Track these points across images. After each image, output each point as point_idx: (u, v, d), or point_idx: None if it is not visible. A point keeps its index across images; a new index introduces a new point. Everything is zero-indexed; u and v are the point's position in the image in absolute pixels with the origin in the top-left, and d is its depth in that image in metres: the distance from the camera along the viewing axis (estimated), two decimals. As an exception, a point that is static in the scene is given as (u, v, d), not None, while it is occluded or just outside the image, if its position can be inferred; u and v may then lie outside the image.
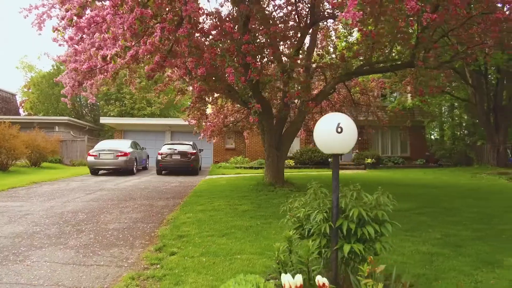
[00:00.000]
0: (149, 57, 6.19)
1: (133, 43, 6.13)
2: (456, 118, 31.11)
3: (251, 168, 23.01)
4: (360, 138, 25.41)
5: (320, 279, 2.73)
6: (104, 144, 20.11)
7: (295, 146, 26.05)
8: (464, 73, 21.39)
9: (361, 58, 11.28)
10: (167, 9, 5.52)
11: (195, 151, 19.75)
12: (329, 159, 23.59)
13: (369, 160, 23.56)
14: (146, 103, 35.04)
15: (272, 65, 10.33)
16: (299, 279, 2.57)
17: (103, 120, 28.29)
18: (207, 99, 12.60)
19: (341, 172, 20.97)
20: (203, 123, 16.36)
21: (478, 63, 17.93)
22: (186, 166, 19.34)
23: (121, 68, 7.07)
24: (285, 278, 2.51)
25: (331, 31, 14.49)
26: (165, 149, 19.73)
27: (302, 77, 11.86)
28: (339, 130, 3.40)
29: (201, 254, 5.53)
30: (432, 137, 34.13)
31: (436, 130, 30.06)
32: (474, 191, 13.17)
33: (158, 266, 5.15)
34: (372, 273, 3.34)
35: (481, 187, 14.32)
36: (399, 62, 10.24)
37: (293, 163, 24.12)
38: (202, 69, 5.93)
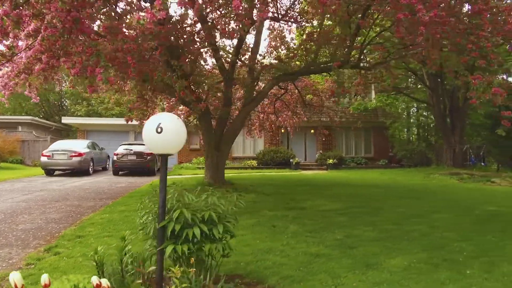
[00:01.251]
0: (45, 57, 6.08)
1: (29, 42, 6.03)
2: (423, 119, 31.45)
3: (212, 168, 22.87)
4: (324, 139, 25.45)
5: (94, 280, 2.68)
6: (59, 144, 19.81)
7: (259, 146, 26.06)
8: (422, 75, 21.61)
9: (297, 58, 11.31)
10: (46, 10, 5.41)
11: (152, 152, 19.54)
12: (291, 160, 23.62)
13: (330, 161, 23.63)
14: (114, 103, 34.56)
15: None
16: (16, 276, 2.49)
17: (65, 120, 27.91)
18: (148, 98, 12.44)
19: (300, 173, 21.16)
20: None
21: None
22: (142, 166, 19.15)
23: (26, 68, 6.90)
24: (11, 276, 2.45)
25: (284, 32, 14.52)
26: (121, 149, 19.51)
27: (245, 78, 11.85)
28: (159, 130, 3.35)
29: (82, 254, 5.44)
30: (402, 137, 34.47)
31: (402, 131, 30.26)
32: (418, 191, 13.29)
33: (32, 266, 5.09)
34: (189, 274, 3.31)
35: (428, 187, 14.46)
36: (330, 64, 10.27)
37: (256, 164, 24.07)
38: (76, 69, 5.85)
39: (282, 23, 13.75)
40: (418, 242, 6.27)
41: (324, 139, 25.37)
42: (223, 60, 11.55)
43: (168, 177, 13.75)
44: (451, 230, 7.18)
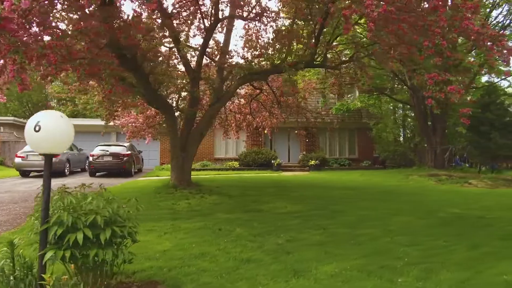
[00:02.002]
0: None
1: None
2: (410, 120, 31.21)
3: (192, 169, 22.58)
4: (307, 140, 25.20)
5: None
6: (34, 145, 19.46)
7: (241, 147, 25.76)
8: (404, 75, 21.40)
9: (265, 57, 11.08)
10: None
11: (129, 153, 19.26)
12: (272, 161, 23.36)
13: (312, 162, 23.38)
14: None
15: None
16: None
17: (45, 120, 27.53)
18: (114, 98, 12.18)
19: (279, 174, 20.93)
20: (129, 124, 16.00)
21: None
22: (118, 167, 18.84)
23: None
24: None
25: (260, 31, 14.27)
26: (97, 150, 19.19)
27: (212, 77, 11.61)
28: (37, 128, 3.13)
29: (0, 260, 5.17)
30: (389, 139, 34.17)
31: (386, 131, 30.00)
32: (390, 192, 13.07)
33: None
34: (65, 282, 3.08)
35: (402, 189, 14.25)
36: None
37: (238, 165, 23.81)
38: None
39: (257, 23, 13.54)
40: (363, 247, 6.04)
41: (307, 140, 25.12)
42: (190, 60, 11.33)
43: (143, 178, 13.46)
44: (404, 234, 6.95)
